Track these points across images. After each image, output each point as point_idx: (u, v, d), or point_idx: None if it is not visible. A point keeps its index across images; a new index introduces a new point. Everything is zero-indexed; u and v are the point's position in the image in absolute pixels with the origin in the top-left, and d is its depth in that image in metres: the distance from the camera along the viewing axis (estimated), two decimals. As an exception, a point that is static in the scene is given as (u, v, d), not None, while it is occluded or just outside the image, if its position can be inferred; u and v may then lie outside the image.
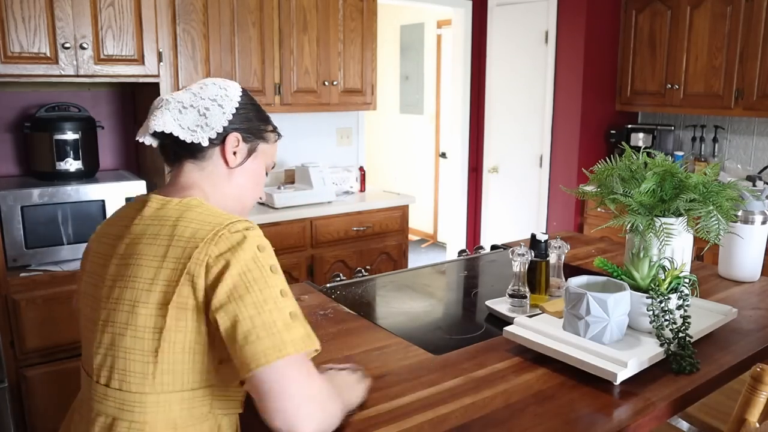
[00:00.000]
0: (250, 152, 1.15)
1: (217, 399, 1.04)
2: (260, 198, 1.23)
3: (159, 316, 0.96)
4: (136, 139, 1.13)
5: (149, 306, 0.97)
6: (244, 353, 0.92)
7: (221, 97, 1.12)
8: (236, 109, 1.13)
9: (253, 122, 1.16)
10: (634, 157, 1.74)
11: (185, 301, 0.96)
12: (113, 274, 1.03)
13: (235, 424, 1.11)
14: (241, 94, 1.16)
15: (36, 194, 2.38)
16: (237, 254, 0.96)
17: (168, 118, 1.08)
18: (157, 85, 2.61)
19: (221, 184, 1.13)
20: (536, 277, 1.70)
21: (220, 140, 1.11)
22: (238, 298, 0.94)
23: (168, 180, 1.16)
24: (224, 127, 1.11)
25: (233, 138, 1.12)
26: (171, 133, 1.08)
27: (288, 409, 0.93)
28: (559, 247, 1.78)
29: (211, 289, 0.95)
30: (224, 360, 1.01)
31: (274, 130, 1.22)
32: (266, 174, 1.22)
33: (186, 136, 1.09)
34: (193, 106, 1.10)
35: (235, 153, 1.13)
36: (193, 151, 1.11)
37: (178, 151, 1.12)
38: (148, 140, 1.13)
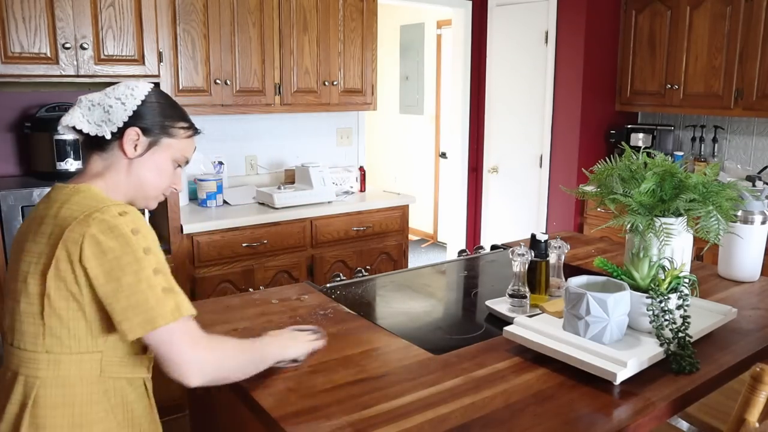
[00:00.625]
0: (151, 145, 1.26)
1: (109, 365, 1.18)
2: (175, 189, 1.35)
3: (41, 284, 1.12)
4: (60, 133, 1.29)
5: (36, 276, 1.13)
6: (122, 328, 1.10)
7: (126, 96, 1.25)
8: (137, 106, 1.24)
9: (155, 118, 1.26)
10: (634, 157, 1.74)
11: (64, 274, 1.11)
12: (16, 251, 1.20)
13: (140, 388, 1.25)
14: (147, 93, 1.27)
15: (36, 194, 2.38)
16: (109, 238, 1.10)
17: (77, 115, 1.24)
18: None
19: (121, 173, 1.25)
20: (536, 277, 1.70)
21: (120, 134, 1.24)
22: (115, 280, 1.09)
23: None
24: (124, 122, 1.23)
25: (132, 132, 1.24)
26: (81, 130, 1.23)
27: (174, 366, 1.12)
28: (559, 247, 1.78)
29: (88, 268, 1.09)
30: (113, 331, 1.15)
31: (189, 127, 1.32)
32: (178, 167, 1.33)
33: (91, 130, 1.23)
34: (100, 104, 1.24)
35: (136, 147, 1.24)
36: (99, 144, 1.24)
37: (88, 144, 1.26)
38: (70, 134, 1.27)
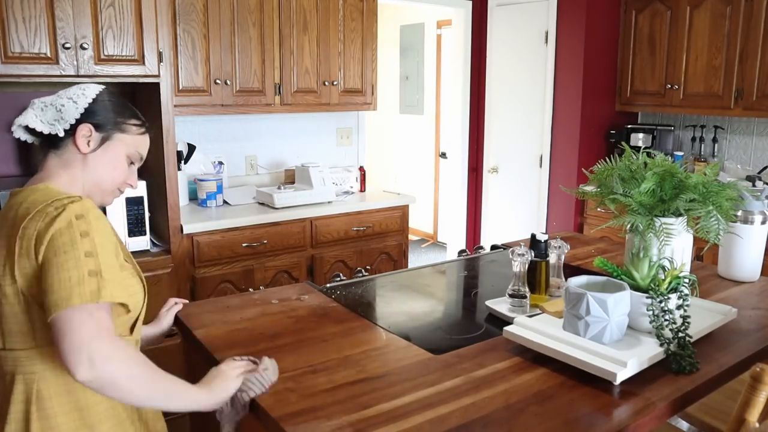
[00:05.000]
0: (105, 140, 1.30)
1: None
2: (132, 186, 1.37)
3: (14, 284, 1.13)
4: (14, 135, 1.30)
5: (7, 277, 1.14)
6: (46, 302, 1.08)
7: (77, 96, 1.29)
8: (89, 104, 1.28)
9: (107, 114, 1.30)
10: (634, 157, 1.74)
11: (29, 269, 1.12)
12: None
13: None
14: (98, 92, 1.31)
15: (36, 194, 2.38)
16: (54, 224, 1.12)
17: (31, 115, 1.27)
18: (157, 85, 2.61)
19: (77, 168, 1.28)
20: (536, 277, 1.70)
21: (73, 131, 1.27)
22: (47, 261, 1.10)
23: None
24: (77, 119, 1.27)
25: (84, 128, 1.27)
26: (35, 129, 1.26)
27: (67, 351, 1.04)
28: (559, 247, 1.78)
29: (38, 259, 1.11)
30: None
31: (141, 125, 1.36)
32: (132, 163, 1.35)
33: (44, 129, 1.27)
34: (53, 104, 1.28)
35: (89, 142, 1.28)
36: (54, 142, 1.28)
37: (43, 144, 1.30)
38: (24, 136, 1.30)
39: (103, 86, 1.34)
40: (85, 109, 1.27)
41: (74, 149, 1.27)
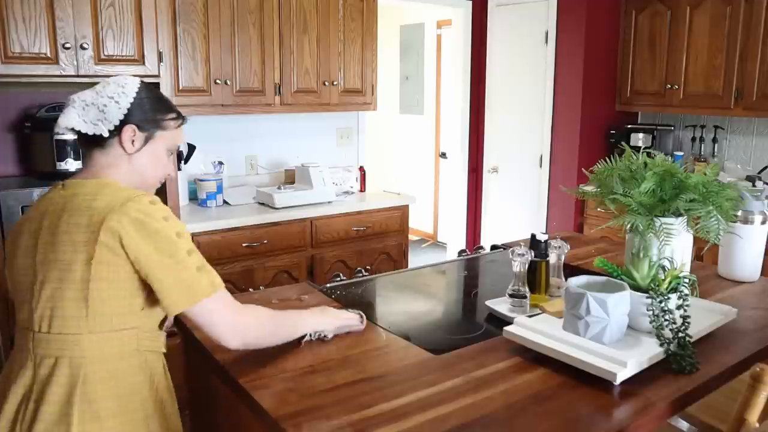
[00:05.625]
0: (147, 139, 1.35)
1: (142, 339, 1.29)
2: (170, 174, 1.44)
3: (86, 271, 1.20)
4: (56, 133, 1.35)
5: (78, 263, 1.20)
6: (165, 304, 1.24)
7: (118, 95, 1.32)
8: (131, 104, 1.32)
9: (148, 113, 1.35)
10: (634, 157, 1.74)
11: (108, 258, 1.19)
12: (44, 242, 1.25)
13: (161, 361, 1.37)
14: (137, 90, 1.34)
15: (36, 194, 2.38)
16: (145, 224, 1.21)
17: (73, 115, 1.30)
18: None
19: (124, 166, 1.34)
20: (536, 277, 1.70)
21: (118, 131, 1.31)
22: (154, 262, 1.21)
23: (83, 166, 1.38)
24: (120, 120, 1.31)
25: (129, 129, 1.32)
26: (80, 131, 1.30)
27: (215, 331, 1.28)
28: (559, 247, 1.78)
29: (128, 252, 1.20)
30: (146, 307, 1.27)
31: (178, 117, 1.41)
32: (171, 154, 1.42)
33: (89, 130, 1.30)
34: (94, 103, 1.31)
35: (133, 142, 1.33)
36: (98, 141, 1.32)
37: (87, 142, 1.33)
38: (68, 134, 1.35)
39: (140, 81, 1.37)
40: (128, 109, 1.31)
41: (119, 148, 1.32)
